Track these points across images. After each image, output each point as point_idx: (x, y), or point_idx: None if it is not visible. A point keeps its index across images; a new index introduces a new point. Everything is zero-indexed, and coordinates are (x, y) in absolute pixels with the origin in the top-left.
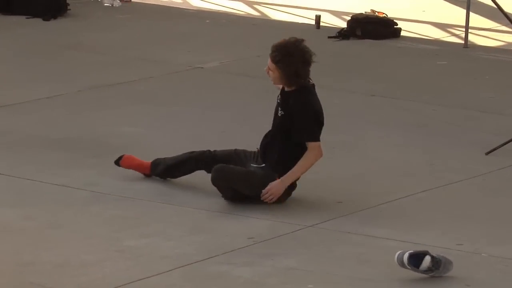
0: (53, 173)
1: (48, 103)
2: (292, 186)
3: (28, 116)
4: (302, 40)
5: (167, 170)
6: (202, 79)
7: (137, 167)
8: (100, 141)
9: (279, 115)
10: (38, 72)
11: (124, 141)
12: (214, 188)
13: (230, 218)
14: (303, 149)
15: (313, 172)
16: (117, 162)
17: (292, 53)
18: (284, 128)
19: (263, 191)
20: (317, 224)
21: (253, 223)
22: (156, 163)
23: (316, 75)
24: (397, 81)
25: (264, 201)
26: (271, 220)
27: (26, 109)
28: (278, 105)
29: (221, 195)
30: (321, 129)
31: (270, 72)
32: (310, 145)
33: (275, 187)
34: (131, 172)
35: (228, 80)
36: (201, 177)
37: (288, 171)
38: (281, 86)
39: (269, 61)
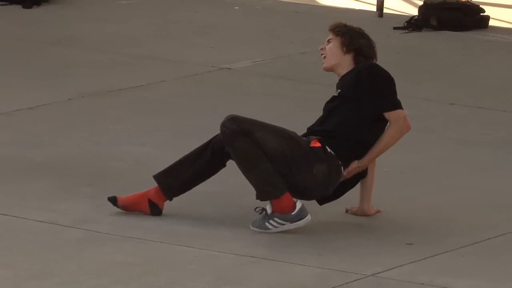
0: (35, 207)
1: (29, 115)
2: (361, 174)
3: (3, 132)
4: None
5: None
6: (229, 83)
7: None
8: (97, 164)
9: (336, 95)
10: (16, 76)
11: (128, 165)
12: (247, 225)
13: (267, 265)
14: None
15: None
16: (113, 201)
17: (357, 34)
18: (345, 105)
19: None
20: (379, 273)
21: (297, 272)
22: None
23: None
24: (484, 86)
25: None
26: (320, 267)
27: (0, 123)
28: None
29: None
30: None
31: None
32: (392, 116)
33: (352, 166)
34: None
35: (263, 85)
36: (228, 212)
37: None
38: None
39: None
